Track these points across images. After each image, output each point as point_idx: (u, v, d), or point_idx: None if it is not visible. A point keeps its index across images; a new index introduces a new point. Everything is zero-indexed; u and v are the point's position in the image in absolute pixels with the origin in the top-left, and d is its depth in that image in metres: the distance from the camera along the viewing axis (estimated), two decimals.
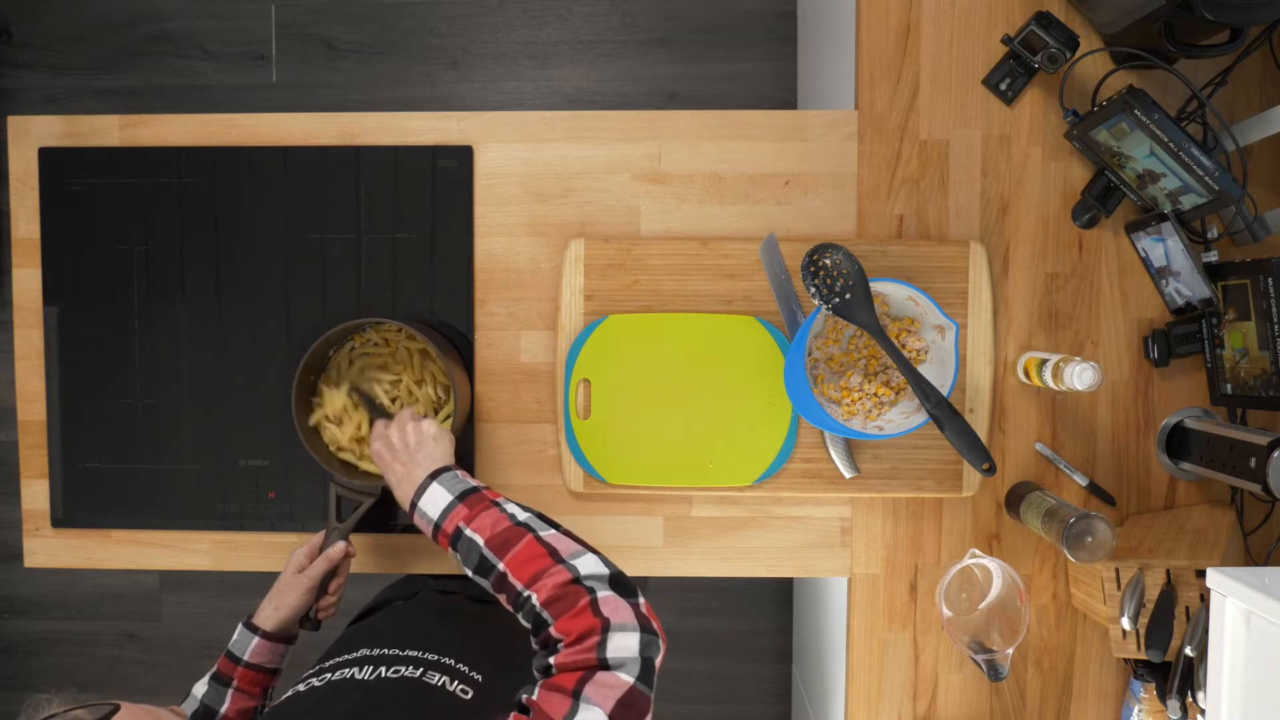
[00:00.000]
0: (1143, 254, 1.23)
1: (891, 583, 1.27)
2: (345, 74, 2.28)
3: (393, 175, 1.26)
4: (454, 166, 1.26)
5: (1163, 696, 1.17)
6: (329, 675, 0.87)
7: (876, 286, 1.11)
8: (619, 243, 1.24)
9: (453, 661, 0.90)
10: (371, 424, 1.17)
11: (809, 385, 1.06)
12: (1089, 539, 1.10)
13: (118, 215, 1.28)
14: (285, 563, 1.05)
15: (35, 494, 1.30)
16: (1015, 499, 1.24)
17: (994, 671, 1.14)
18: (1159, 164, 1.11)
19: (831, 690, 1.58)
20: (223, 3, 2.30)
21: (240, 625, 1.05)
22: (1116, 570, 1.15)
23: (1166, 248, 1.18)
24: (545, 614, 0.78)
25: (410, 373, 1.23)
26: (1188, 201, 1.14)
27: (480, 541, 0.86)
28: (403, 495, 0.96)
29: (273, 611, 1.05)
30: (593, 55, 2.27)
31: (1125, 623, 1.15)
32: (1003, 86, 1.23)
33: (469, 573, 0.88)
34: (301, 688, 0.86)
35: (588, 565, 0.81)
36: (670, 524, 1.28)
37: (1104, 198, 1.22)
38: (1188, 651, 1.14)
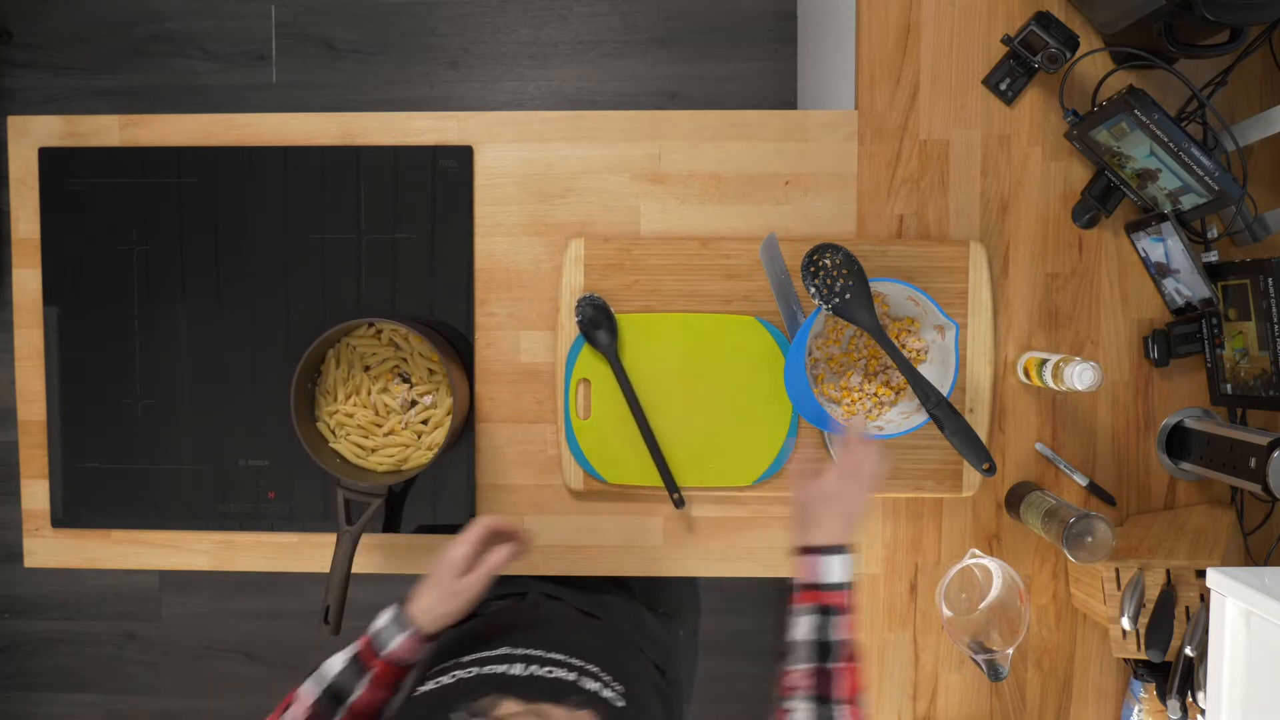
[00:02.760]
0: (1143, 254, 1.23)
1: (891, 583, 1.27)
2: (345, 74, 2.29)
3: (393, 175, 1.26)
4: (454, 166, 1.26)
5: (1163, 696, 1.17)
6: (475, 669, 0.86)
7: (876, 286, 1.11)
8: (619, 243, 1.24)
9: (598, 669, 0.90)
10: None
11: (809, 385, 1.06)
12: (1089, 539, 1.10)
13: (118, 215, 1.28)
14: (441, 559, 0.97)
15: (35, 494, 1.30)
16: (1015, 499, 1.24)
17: (994, 671, 1.14)
18: (1159, 164, 1.11)
19: None
20: (223, 3, 2.30)
21: (392, 614, 0.95)
22: (1116, 570, 1.15)
23: (1166, 248, 1.18)
24: None
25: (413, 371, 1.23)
26: (1188, 201, 1.14)
27: (842, 636, 0.89)
28: (835, 530, 0.94)
29: (441, 616, 0.96)
30: (593, 55, 2.27)
31: (1125, 623, 1.15)
32: (1003, 86, 1.23)
33: (802, 637, 0.89)
34: (446, 678, 0.84)
35: None
36: (670, 523, 1.28)
37: (1104, 198, 1.22)
38: (1188, 651, 1.14)
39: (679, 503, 1.23)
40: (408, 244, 1.26)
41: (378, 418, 1.24)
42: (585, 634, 1.05)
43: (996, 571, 1.19)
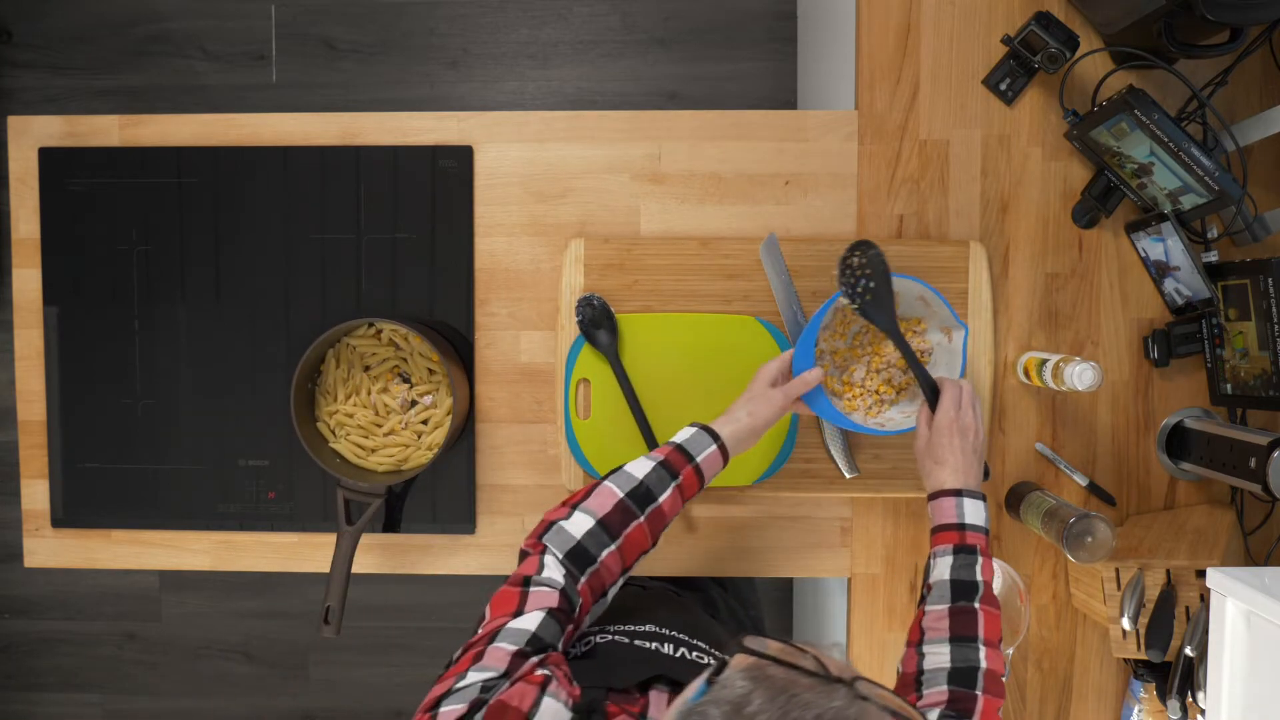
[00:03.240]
0: (1143, 254, 1.23)
1: (891, 583, 1.28)
2: (345, 74, 2.29)
3: (393, 175, 1.26)
4: (454, 166, 1.26)
5: (1163, 697, 1.17)
6: (627, 640, 0.85)
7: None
8: (618, 243, 1.25)
9: (710, 650, 0.90)
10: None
11: (814, 360, 1.05)
12: (1089, 539, 1.10)
13: (117, 215, 1.28)
14: (756, 379, 1.01)
15: (35, 494, 1.30)
16: (1015, 499, 1.24)
17: None
18: (1159, 164, 1.11)
19: None
20: (223, 3, 2.30)
21: (695, 429, 0.97)
22: (1116, 570, 1.16)
23: (1166, 247, 1.19)
24: (981, 681, 0.87)
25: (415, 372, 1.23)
26: (1188, 201, 1.14)
27: (981, 577, 0.91)
28: (944, 479, 0.98)
29: (745, 417, 0.99)
30: (593, 55, 2.27)
31: (1125, 623, 1.15)
32: (1003, 86, 1.24)
33: (944, 576, 0.91)
34: (615, 638, 0.84)
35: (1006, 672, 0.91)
36: (672, 522, 1.25)
37: (1104, 198, 1.22)
38: (1188, 651, 1.14)
39: None
40: (408, 244, 1.27)
41: (378, 418, 1.25)
42: (714, 626, 1.04)
43: (996, 571, 1.19)
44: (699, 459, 0.94)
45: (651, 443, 1.22)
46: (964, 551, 0.91)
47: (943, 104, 1.25)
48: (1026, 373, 1.22)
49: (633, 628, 0.89)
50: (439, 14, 2.28)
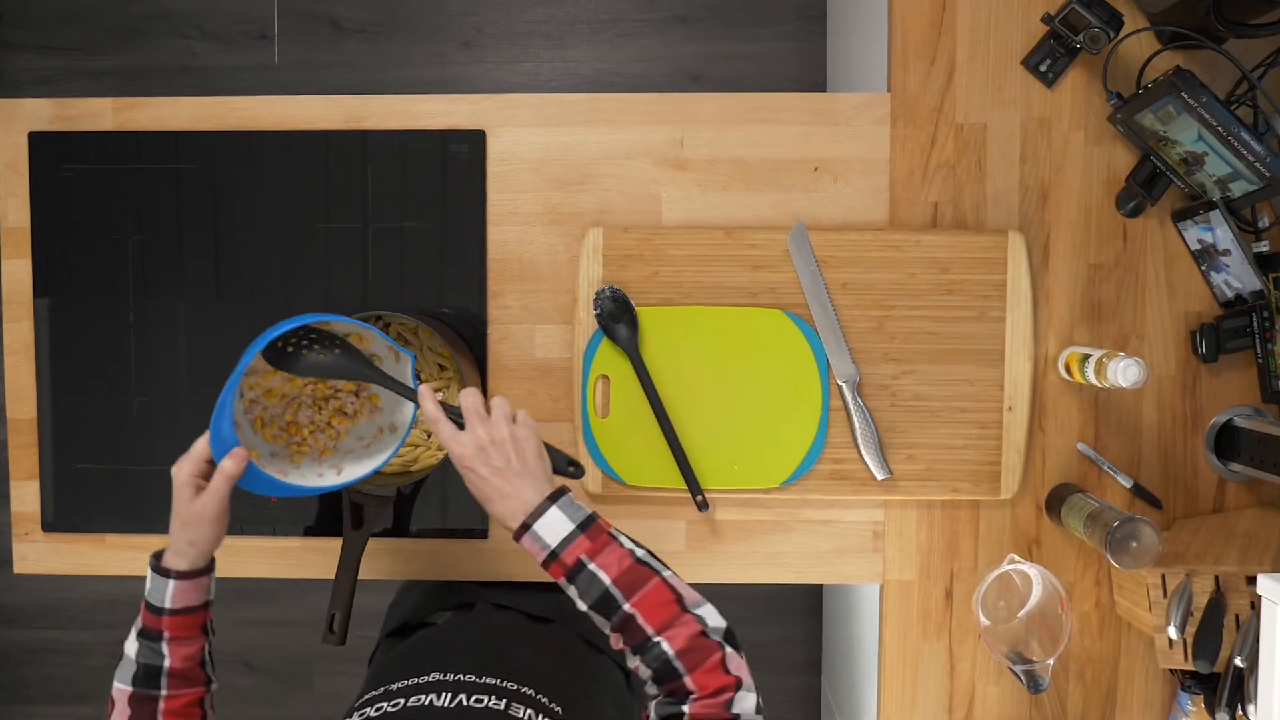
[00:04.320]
0: (1190, 244, 1.21)
1: (926, 589, 1.26)
2: (351, 54, 2.26)
3: (401, 161, 1.25)
4: (465, 152, 1.25)
5: (1211, 709, 1.15)
6: (402, 701, 0.87)
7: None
8: (639, 232, 1.23)
9: (533, 692, 0.91)
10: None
11: (234, 434, 0.96)
12: (1134, 544, 1.08)
13: (112, 203, 1.27)
14: (174, 492, 0.95)
15: (25, 496, 1.29)
16: (1056, 502, 1.22)
17: (1034, 683, 1.12)
18: (1207, 149, 1.09)
19: (863, 703, 1.57)
20: None
21: (150, 571, 0.97)
22: (1163, 576, 1.14)
23: (1215, 237, 1.16)
24: (678, 664, 0.83)
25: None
26: (1237, 189, 1.12)
27: (607, 580, 0.87)
28: (506, 513, 0.91)
29: (187, 547, 0.96)
30: (611, 34, 2.25)
31: (1172, 632, 1.13)
32: (1043, 68, 1.22)
33: (583, 607, 0.87)
34: (372, 713, 0.85)
35: (711, 617, 0.86)
36: (693, 528, 1.27)
37: (1149, 184, 1.20)
38: (1237, 662, 1.12)
39: (702, 505, 1.22)
40: (417, 234, 1.26)
41: None
42: (530, 647, 1.06)
43: (1036, 578, 1.17)
44: (169, 605, 0.94)
45: (674, 442, 1.21)
46: (575, 574, 0.88)
47: (980, 86, 1.23)
48: (1068, 369, 1.21)
49: (417, 680, 0.91)
50: None
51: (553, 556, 0.88)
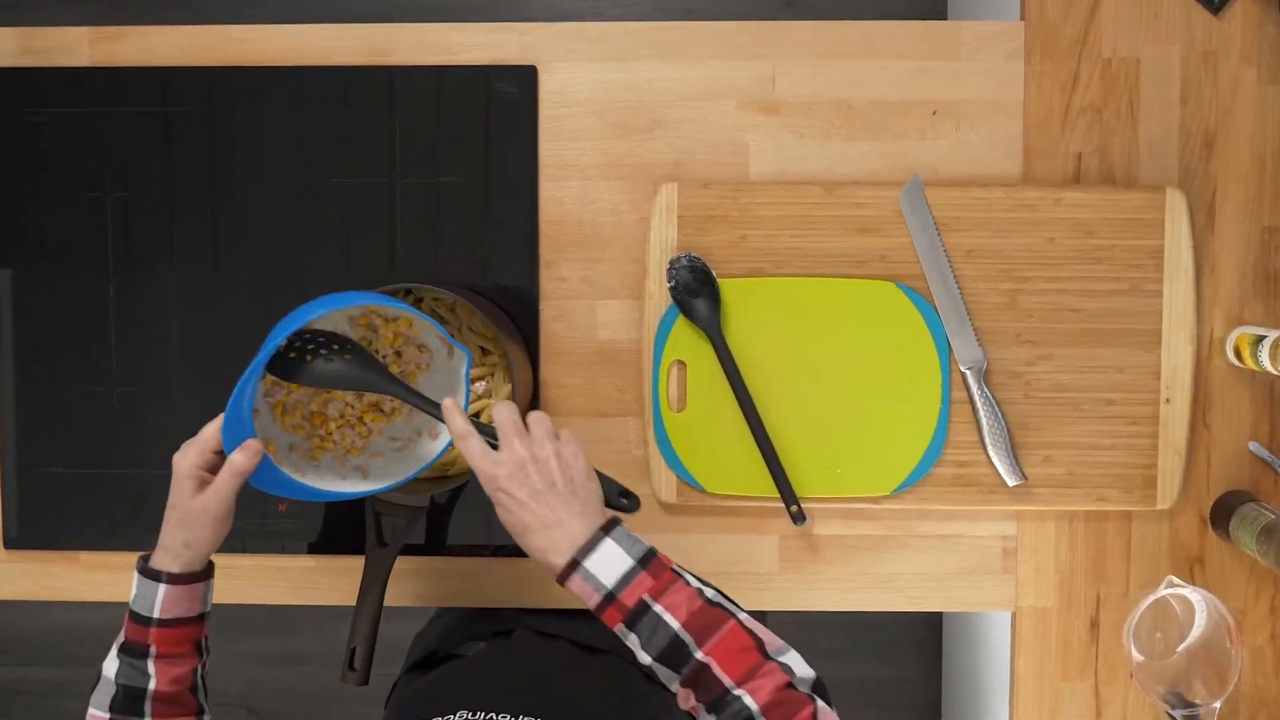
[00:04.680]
0: None
1: (1067, 619, 1.27)
2: None
3: (436, 103, 1.26)
4: (513, 92, 1.26)
5: None
6: None
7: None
8: (722, 188, 1.24)
9: None
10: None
11: (252, 422, 0.98)
12: None
13: (88, 154, 1.28)
14: (173, 483, 0.97)
15: None
16: (1223, 513, 1.22)
17: None
18: None
19: None
20: None
21: (137, 575, 0.98)
22: None
23: None
24: None
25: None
26: None
27: (676, 624, 0.86)
28: (548, 546, 0.90)
29: (181, 548, 0.97)
30: None
31: None
32: None
33: (646, 659, 0.88)
34: None
35: (798, 665, 0.86)
36: (787, 544, 1.28)
37: None
38: None
39: (798, 517, 1.22)
40: (455, 190, 1.27)
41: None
42: (579, 682, 1.08)
43: (1200, 605, 1.17)
44: (157, 614, 0.96)
45: (764, 442, 1.22)
46: (637, 619, 0.88)
47: (1131, 13, 1.23)
48: (1238, 352, 1.21)
49: None
50: None
51: (609, 599, 0.88)
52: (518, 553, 1.24)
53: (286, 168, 1.27)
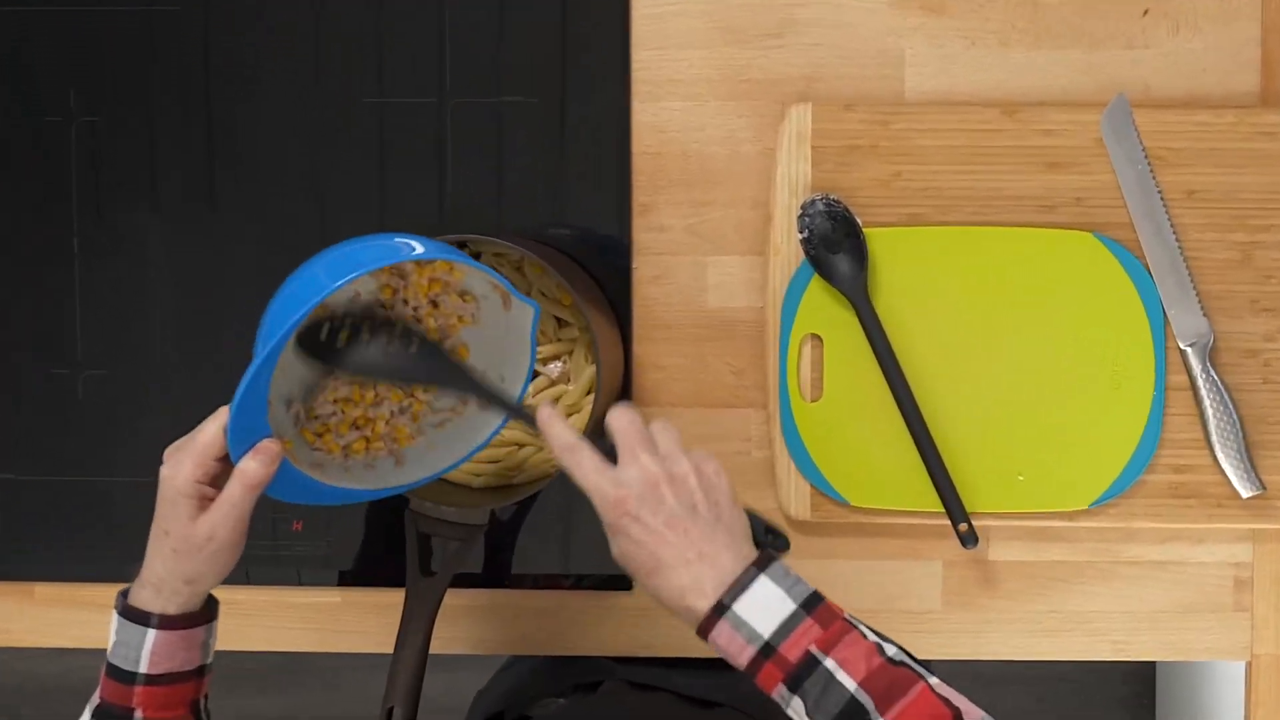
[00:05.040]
0: None
1: None
2: None
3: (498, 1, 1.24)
4: None
5: None
6: None
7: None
8: (869, 110, 1.19)
9: None
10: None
11: (265, 417, 0.94)
12: None
13: (45, 65, 1.25)
14: (163, 502, 0.92)
15: None
16: None
17: None
18: None
19: None
20: None
21: (117, 617, 0.94)
22: None
23: None
24: None
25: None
26: None
27: (851, 683, 0.82)
28: (687, 586, 0.86)
29: (180, 585, 0.93)
30: None
31: None
32: None
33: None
34: None
35: None
36: (954, 573, 1.23)
37: None
38: None
39: (969, 539, 1.17)
40: (521, 114, 1.23)
41: None
42: None
43: None
44: (144, 669, 0.93)
45: (924, 441, 1.16)
46: (802, 677, 0.84)
47: None
48: None
49: None
50: None
51: (766, 652, 0.84)
52: (604, 584, 1.24)
53: (303, 83, 1.24)
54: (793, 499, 1.20)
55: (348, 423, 1.04)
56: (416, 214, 1.23)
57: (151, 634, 0.92)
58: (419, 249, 0.97)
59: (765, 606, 0.85)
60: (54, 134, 1.24)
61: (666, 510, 0.87)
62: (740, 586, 0.85)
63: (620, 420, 0.91)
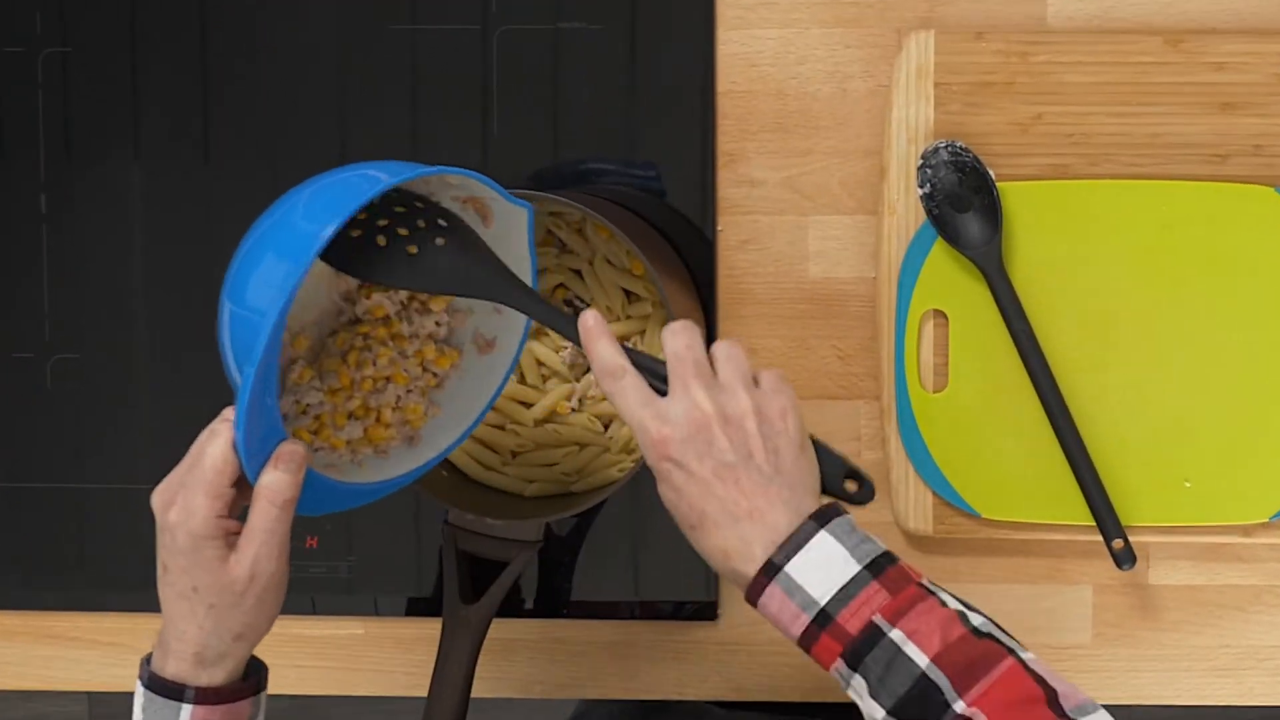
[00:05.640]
0: None
1: None
2: None
3: None
4: None
5: None
6: None
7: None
8: (1003, 39, 1.11)
9: None
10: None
11: (278, 416, 0.88)
12: None
13: None
14: (176, 552, 0.83)
15: None
16: None
17: None
18: None
19: None
20: None
21: (143, 691, 0.88)
22: None
23: None
24: None
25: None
26: None
27: (923, 659, 0.75)
28: (732, 549, 0.80)
29: (232, 643, 0.87)
30: None
31: None
32: None
33: (878, 712, 0.76)
34: None
35: None
36: (1107, 600, 1.14)
37: None
38: None
39: (1124, 558, 1.08)
40: (583, 43, 1.17)
41: (523, 388, 1.13)
42: None
43: None
44: None
45: (1070, 441, 1.07)
46: (863, 651, 0.77)
47: None
48: None
49: None
50: None
51: (822, 620, 0.77)
52: (683, 613, 1.20)
53: (320, 7, 1.18)
54: (911, 510, 1.13)
55: (344, 415, 0.99)
56: (453, 162, 1.10)
57: (188, 710, 0.85)
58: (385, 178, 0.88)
59: (824, 567, 0.78)
60: (16, 67, 1.18)
61: (715, 456, 0.81)
62: (795, 544, 0.79)
63: (676, 341, 0.84)
